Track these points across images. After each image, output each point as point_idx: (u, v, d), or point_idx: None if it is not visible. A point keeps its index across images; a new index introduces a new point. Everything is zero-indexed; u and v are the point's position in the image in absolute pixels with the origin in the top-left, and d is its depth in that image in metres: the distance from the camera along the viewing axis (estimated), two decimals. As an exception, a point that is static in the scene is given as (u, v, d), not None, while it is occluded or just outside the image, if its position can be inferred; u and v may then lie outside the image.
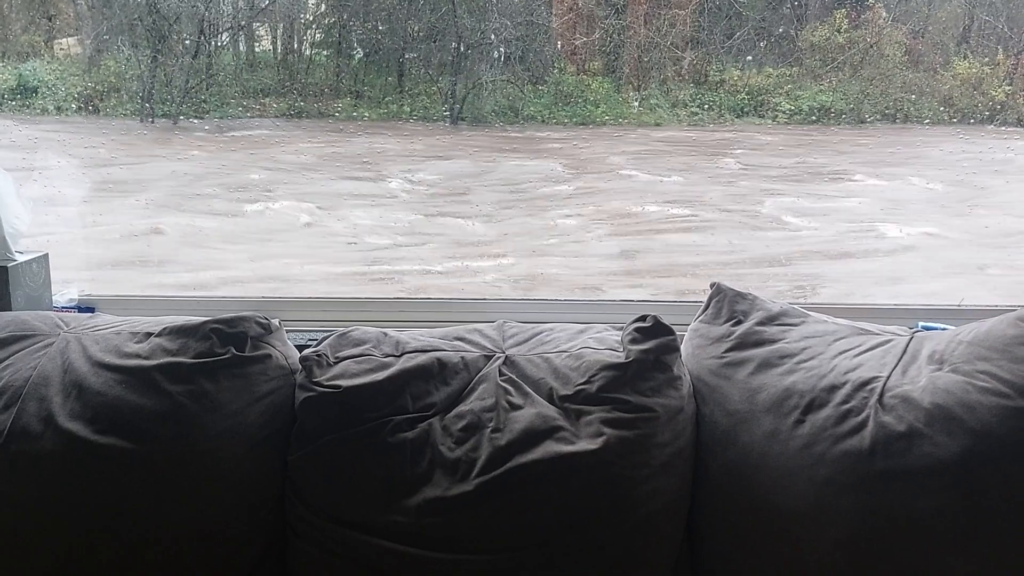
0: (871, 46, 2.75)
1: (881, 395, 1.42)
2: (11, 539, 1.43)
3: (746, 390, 1.53)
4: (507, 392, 1.52)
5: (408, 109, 3.01)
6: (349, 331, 1.66)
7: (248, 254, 2.97)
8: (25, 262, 1.93)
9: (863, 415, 1.40)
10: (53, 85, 2.86)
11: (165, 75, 2.91)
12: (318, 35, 3.14)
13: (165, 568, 1.46)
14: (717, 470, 1.52)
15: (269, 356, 1.58)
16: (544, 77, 2.96)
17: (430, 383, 1.54)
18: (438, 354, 1.59)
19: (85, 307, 2.12)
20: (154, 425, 1.46)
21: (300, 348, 1.65)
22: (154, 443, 1.45)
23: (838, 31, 2.72)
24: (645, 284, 2.89)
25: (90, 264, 2.74)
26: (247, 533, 1.52)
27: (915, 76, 2.74)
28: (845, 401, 1.43)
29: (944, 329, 1.66)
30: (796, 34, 2.74)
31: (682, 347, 1.65)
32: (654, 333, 1.58)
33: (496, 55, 2.91)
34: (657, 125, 2.90)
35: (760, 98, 2.86)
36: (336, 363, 1.57)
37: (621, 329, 1.66)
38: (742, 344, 1.60)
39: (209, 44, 2.94)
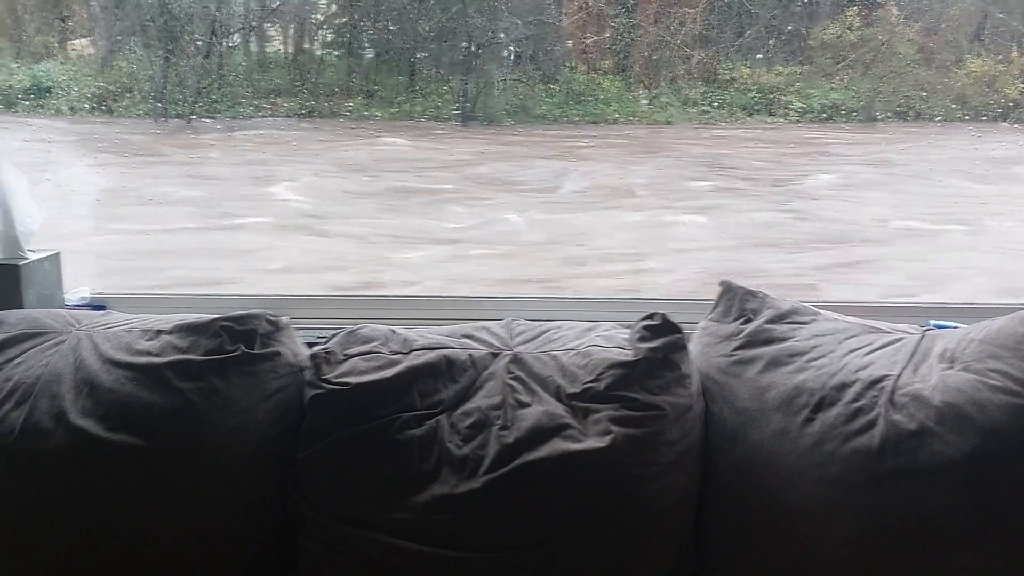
0: (883, 44, 2.74)
1: (892, 393, 1.41)
2: (18, 534, 1.44)
3: (755, 388, 1.52)
4: (515, 390, 1.52)
5: (420, 108, 3.01)
6: (357, 328, 1.66)
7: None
8: (37, 260, 1.95)
9: (873, 413, 1.39)
10: (66, 86, 2.88)
11: (177, 75, 2.93)
12: (329, 35, 3.14)
13: (168, 565, 1.47)
14: (726, 468, 1.51)
15: (278, 353, 1.59)
16: (555, 76, 2.96)
17: (438, 380, 1.55)
18: (446, 351, 1.59)
19: (97, 305, 2.13)
20: (164, 422, 1.47)
21: (309, 345, 1.66)
22: (164, 440, 1.46)
23: (849, 29, 2.71)
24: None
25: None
26: (253, 531, 1.53)
27: (928, 74, 2.73)
28: (855, 399, 1.42)
29: (955, 327, 1.65)
30: (807, 32, 2.73)
31: (691, 345, 1.65)
32: (663, 331, 1.58)
33: (506, 54, 2.91)
34: (668, 123, 2.89)
35: (771, 96, 2.85)
36: (345, 360, 1.57)
37: (629, 327, 1.65)
38: (751, 342, 1.60)
39: (220, 44, 2.95)
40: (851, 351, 1.53)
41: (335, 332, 1.66)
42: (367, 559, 1.47)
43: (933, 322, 1.95)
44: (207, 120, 2.97)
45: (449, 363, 1.57)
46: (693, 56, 2.80)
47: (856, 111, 2.77)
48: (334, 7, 3.14)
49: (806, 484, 1.40)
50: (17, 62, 2.91)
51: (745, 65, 2.83)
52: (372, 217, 3.13)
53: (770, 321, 1.63)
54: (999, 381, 1.36)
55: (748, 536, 1.48)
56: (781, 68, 2.83)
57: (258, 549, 1.55)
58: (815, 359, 1.52)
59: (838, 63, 2.75)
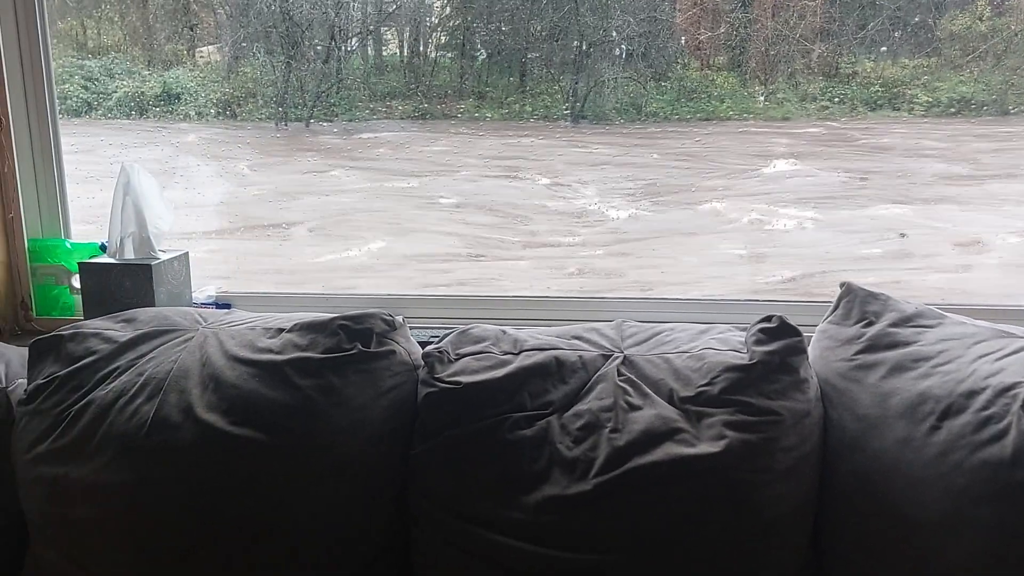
0: (1016, 34, 2.60)
1: (1025, 402, 1.34)
2: (146, 523, 1.50)
3: (877, 394, 1.47)
4: (626, 392, 1.51)
5: (530, 108, 3.02)
6: (469, 328, 1.68)
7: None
8: (167, 260, 2.04)
9: (1005, 422, 1.33)
10: (194, 92, 3.01)
11: (298, 80, 3.01)
12: (443, 37, 3.18)
13: (287, 557, 1.51)
14: (845, 476, 1.47)
15: (393, 352, 1.62)
16: (667, 73, 2.92)
17: (548, 381, 1.55)
18: (556, 352, 1.59)
19: (222, 303, 2.22)
20: (284, 418, 1.51)
21: (423, 344, 1.68)
22: (284, 435, 1.50)
23: (980, 19, 2.59)
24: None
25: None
26: (369, 524, 1.56)
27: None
28: (985, 407, 1.36)
29: (1097, 333, 1.55)
30: (934, 23, 2.62)
31: (809, 349, 1.61)
32: (780, 334, 1.54)
33: (618, 52, 2.89)
34: (785, 119, 2.82)
35: (895, 90, 2.74)
36: (457, 360, 1.59)
37: (745, 330, 1.62)
38: (873, 346, 1.55)
39: (339, 49, 3.03)
40: (980, 356, 1.46)
41: (447, 332, 1.69)
42: (482, 555, 1.48)
43: (1072, 327, 1.84)
44: (324, 123, 3.05)
45: (559, 364, 1.57)
46: (813, 50, 2.72)
47: (987, 104, 2.64)
48: (448, 10, 3.18)
49: (931, 495, 1.34)
50: (149, 69, 3.05)
51: (868, 58, 2.73)
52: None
53: (893, 324, 1.57)
54: None
55: (868, 546, 1.43)
56: (907, 61, 2.72)
57: (375, 543, 1.58)
58: (942, 364, 1.46)
59: (967, 55, 2.62)
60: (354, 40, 3.12)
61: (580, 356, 1.59)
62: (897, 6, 2.58)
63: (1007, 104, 2.62)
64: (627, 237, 2.90)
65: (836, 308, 1.68)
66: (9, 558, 1.65)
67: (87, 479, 1.52)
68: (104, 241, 2.09)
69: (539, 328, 1.71)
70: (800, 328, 1.55)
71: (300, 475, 1.50)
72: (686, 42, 2.92)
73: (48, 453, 1.56)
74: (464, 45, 3.16)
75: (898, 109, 2.78)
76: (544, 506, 1.43)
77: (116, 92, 3.00)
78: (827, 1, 2.63)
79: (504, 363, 1.57)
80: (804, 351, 1.55)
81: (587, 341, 1.64)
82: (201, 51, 3.13)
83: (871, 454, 1.43)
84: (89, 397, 1.58)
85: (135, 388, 1.57)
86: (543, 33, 2.96)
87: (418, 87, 3.12)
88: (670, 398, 1.50)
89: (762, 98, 2.84)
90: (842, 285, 1.70)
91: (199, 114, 3.02)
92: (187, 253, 2.12)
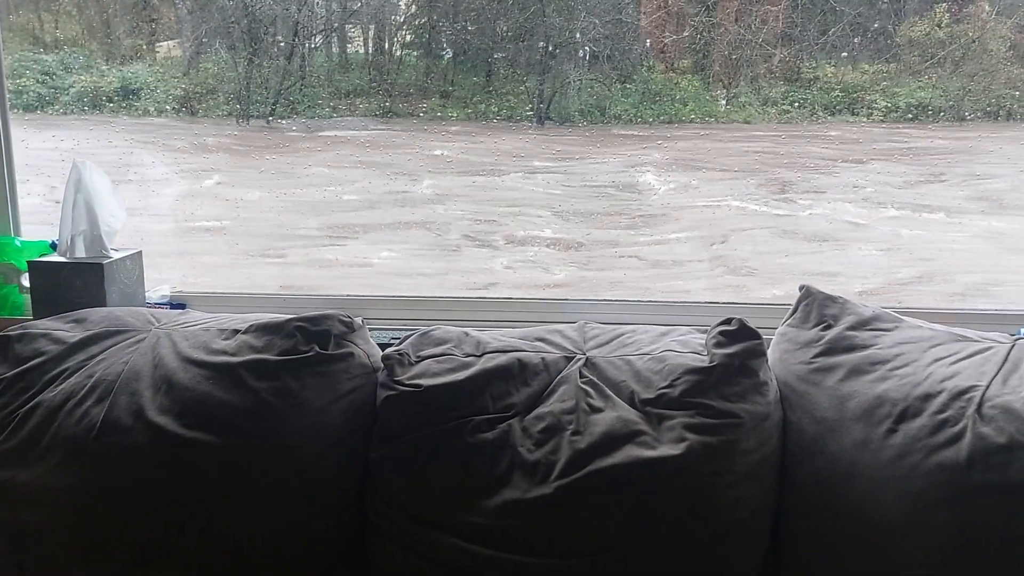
0: (973, 41, 2.63)
1: (980, 405, 1.35)
2: (97, 527, 1.47)
3: (835, 397, 1.48)
4: (588, 394, 1.51)
5: (495, 109, 3.01)
6: (431, 330, 1.67)
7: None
8: (119, 259, 2.00)
9: (960, 425, 1.34)
10: (154, 87, 2.96)
11: (260, 77, 2.98)
12: (408, 36, 3.17)
13: (243, 562, 1.48)
14: (805, 478, 1.47)
15: (352, 354, 1.60)
16: (632, 76, 2.93)
17: (510, 384, 1.54)
18: (519, 354, 1.58)
19: (176, 303, 2.18)
20: (239, 421, 1.49)
21: (382, 347, 1.67)
22: (238, 439, 1.48)
23: (938, 26, 2.62)
24: None
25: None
26: (326, 530, 1.54)
27: (1021, 71, 2.62)
28: (941, 410, 1.37)
29: (1050, 337, 1.58)
30: (894, 29, 2.64)
31: (769, 352, 1.61)
32: (740, 337, 1.54)
33: (582, 54, 2.89)
34: (746, 123, 2.83)
35: (854, 95, 2.77)
36: (418, 362, 1.58)
37: (705, 332, 1.62)
38: (832, 349, 1.55)
39: (303, 46, 3.00)
40: (936, 360, 1.48)
41: (408, 333, 1.67)
42: (441, 561, 1.47)
43: (1026, 331, 1.87)
44: (283, 121, 3.01)
45: (522, 366, 1.56)
46: (775, 55, 2.73)
47: (944, 110, 2.67)
48: (413, 8, 3.16)
49: (888, 497, 1.35)
50: (108, 64, 2.99)
51: (829, 63, 2.76)
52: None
53: (851, 328, 1.58)
54: (1098, 395, 1.30)
55: (827, 549, 1.44)
56: (866, 66, 2.75)
57: (332, 550, 1.56)
58: (898, 368, 1.47)
59: (926, 61, 2.66)
60: (318, 37, 3.09)
61: (543, 358, 1.58)
62: (857, 12, 2.60)
63: (963, 110, 2.66)
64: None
65: (795, 311, 1.68)
66: (-46, 564, 1.61)
67: (34, 483, 1.48)
68: (55, 239, 2.05)
69: (502, 330, 1.70)
70: (759, 331, 1.56)
71: (255, 480, 1.48)
72: (651, 45, 2.93)
73: (-5, 456, 1.52)
74: (430, 44, 3.15)
75: (856, 114, 2.80)
76: (505, 510, 1.42)
77: (73, 87, 2.95)
78: (789, 7, 2.65)
79: (466, 365, 1.56)
80: (764, 354, 1.55)
81: (550, 343, 1.63)
82: (160, 46, 3.09)
83: (830, 456, 1.44)
84: (37, 399, 1.54)
85: (84, 390, 1.54)
86: (509, 33, 2.95)
87: (382, 85, 3.10)
88: (631, 400, 1.49)
89: (724, 102, 2.85)
90: (801, 288, 1.71)
91: (158, 110, 2.98)
92: (140, 252, 2.08)
